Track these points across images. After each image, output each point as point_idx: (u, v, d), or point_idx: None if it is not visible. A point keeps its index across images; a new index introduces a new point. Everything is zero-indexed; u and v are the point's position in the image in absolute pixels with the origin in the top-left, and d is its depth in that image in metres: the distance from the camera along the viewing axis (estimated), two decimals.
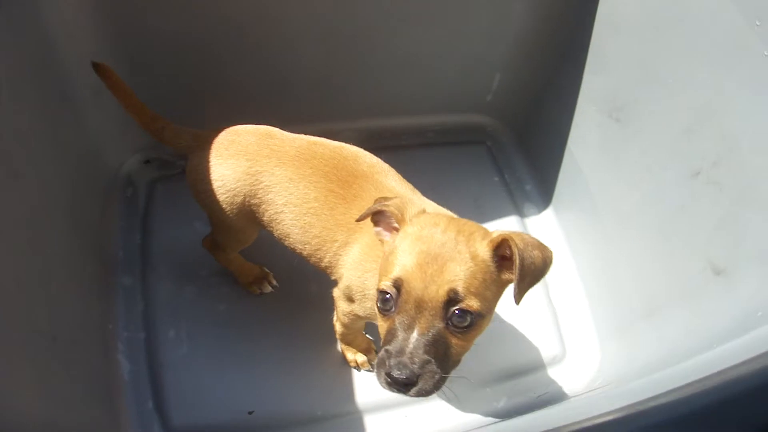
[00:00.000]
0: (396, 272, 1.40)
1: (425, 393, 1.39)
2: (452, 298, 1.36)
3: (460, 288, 1.35)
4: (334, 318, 2.10)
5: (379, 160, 1.92)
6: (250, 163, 1.86)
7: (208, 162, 1.92)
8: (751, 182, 1.81)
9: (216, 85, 2.51)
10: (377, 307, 1.45)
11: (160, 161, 2.63)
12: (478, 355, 2.26)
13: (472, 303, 1.36)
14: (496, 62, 2.72)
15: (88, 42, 2.22)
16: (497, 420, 2.16)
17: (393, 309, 1.41)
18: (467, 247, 1.40)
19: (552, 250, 1.47)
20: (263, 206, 1.88)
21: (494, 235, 1.42)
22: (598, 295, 2.41)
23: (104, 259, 2.33)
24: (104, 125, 2.43)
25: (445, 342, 1.40)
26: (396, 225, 1.51)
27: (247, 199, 1.89)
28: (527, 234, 1.46)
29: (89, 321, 2.13)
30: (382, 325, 1.47)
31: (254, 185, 1.86)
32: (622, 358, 2.18)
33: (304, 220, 1.83)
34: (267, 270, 2.38)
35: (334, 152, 1.86)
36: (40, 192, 1.92)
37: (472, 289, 1.36)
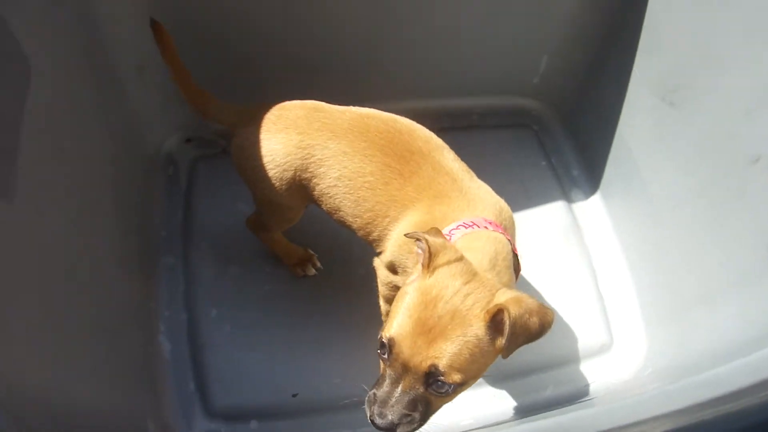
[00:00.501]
0: (392, 331, 1.47)
1: None
2: (433, 372, 1.43)
3: (441, 365, 1.42)
4: (380, 299, 2.07)
5: (432, 134, 1.89)
6: (302, 136, 1.84)
7: (256, 137, 1.89)
8: None
9: (256, 60, 2.48)
10: (378, 353, 1.55)
11: (201, 140, 2.60)
12: (527, 345, 2.25)
13: (454, 377, 1.44)
14: (543, 43, 2.67)
15: (132, 17, 2.19)
16: (543, 409, 2.12)
17: (386, 359, 1.50)
18: (462, 323, 1.44)
19: (553, 312, 1.50)
20: (315, 180, 1.85)
21: (491, 306, 1.44)
22: (646, 282, 2.35)
23: (146, 238, 2.31)
24: (146, 103, 2.41)
25: (426, 401, 1.50)
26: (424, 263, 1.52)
27: (298, 174, 1.86)
28: (529, 298, 1.47)
29: (132, 301, 2.12)
30: (381, 364, 1.58)
31: (306, 159, 1.84)
32: (672, 346, 2.13)
33: (358, 194, 1.80)
34: (311, 252, 2.35)
35: (388, 125, 1.83)
36: (84, 169, 1.91)
37: (455, 366, 1.43)
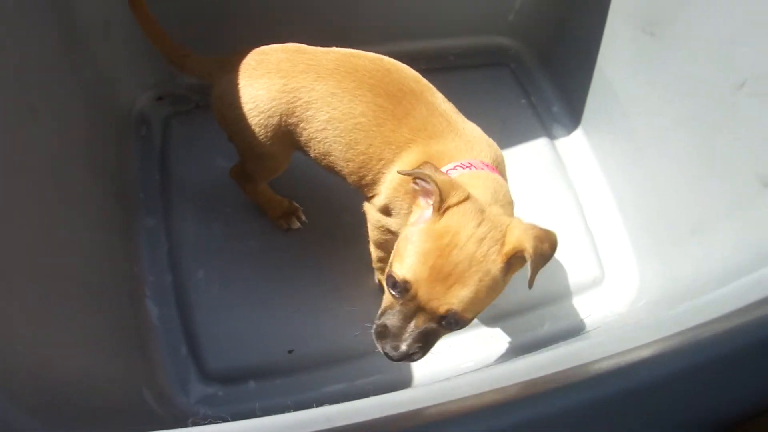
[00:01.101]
0: (408, 275, 1.46)
1: (411, 361, 1.57)
2: (449, 315, 1.46)
3: (459, 309, 1.44)
4: (371, 245, 2.05)
5: (419, 74, 1.85)
6: (285, 80, 1.78)
7: (236, 85, 1.83)
8: None
9: (229, 10, 2.41)
10: (387, 288, 1.54)
11: (173, 97, 2.52)
12: (519, 284, 2.24)
13: (468, 316, 1.48)
14: None
15: None
16: (542, 346, 2.12)
17: (398, 297, 1.50)
18: (479, 269, 1.45)
19: (554, 231, 1.54)
20: (302, 124, 1.81)
21: (508, 247, 1.47)
22: (635, 215, 2.36)
23: (125, 201, 2.24)
24: (114, 61, 2.31)
25: (436, 333, 1.54)
26: (433, 204, 1.50)
27: (283, 119, 1.81)
28: (533, 226, 1.50)
29: (115, 266, 2.05)
30: (387, 297, 1.58)
31: (292, 103, 1.78)
32: (665, 276, 2.14)
33: (350, 136, 1.76)
34: (296, 204, 2.30)
35: (376, 64, 1.79)
36: (58, 132, 1.84)
37: (470, 307, 1.46)
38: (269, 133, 1.85)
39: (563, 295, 2.28)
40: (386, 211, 1.82)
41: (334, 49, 1.86)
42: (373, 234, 1.95)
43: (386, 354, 1.54)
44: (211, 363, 2.04)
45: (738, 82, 1.90)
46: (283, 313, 2.13)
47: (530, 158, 2.58)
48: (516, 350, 2.15)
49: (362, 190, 1.88)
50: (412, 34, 2.71)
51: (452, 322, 1.48)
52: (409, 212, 1.69)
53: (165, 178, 2.35)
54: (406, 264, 1.47)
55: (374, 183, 1.81)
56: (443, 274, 1.42)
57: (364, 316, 2.12)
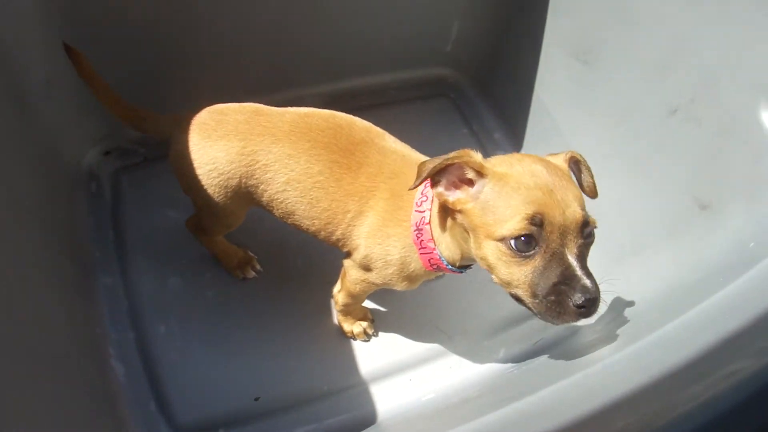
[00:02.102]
0: (530, 209, 1.36)
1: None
2: (585, 219, 1.39)
3: (584, 205, 1.42)
4: (336, 289, 2.10)
5: (371, 123, 1.89)
6: (244, 143, 1.80)
7: (196, 145, 1.84)
8: (730, 116, 1.84)
9: (172, 66, 2.41)
10: (511, 253, 1.40)
11: (120, 151, 2.52)
12: (471, 311, 2.31)
13: (591, 218, 1.42)
14: (453, 10, 2.67)
15: (35, 30, 2.09)
16: (497, 372, 2.20)
17: (536, 247, 1.38)
18: (559, 169, 1.47)
19: None
20: (262, 186, 1.83)
21: (564, 155, 1.57)
22: None
23: (81, 260, 2.23)
24: (58, 119, 2.29)
25: (586, 256, 1.43)
26: (470, 176, 1.46)
27: (243, 181, 1.83)
28: None
29: (76, 328, 2.04)
30: (519, 270, 1.43)
31: (250, 165, 1.80)
32: (612, 297, 2.21)
33: (311, 195, 1.79)
34: (251, 254, 2.33)
35: (328, 122, 1.82)
36: (6, 196, 1.81)
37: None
38: (228, 194, 1.87)
39: (516, 320, 2.34)
40: (366, 264, 1.84)
41: (290, 109, 1.88)
42: (353, 288, 1.97)
43: (585, 308, 1.37)
44: (180, 416, 2.05)
45: (671, 107, 1.99)
46: (247, 361, 2.15)
47: None
48: (476, 378, 2.19)
49: (337, 247, 1.91)
50: (351, 72, 2.75)
51: (589, 230, 1.40)
52: (397, 261, 1.75)
53: (119, 235, 2.35)
54: (514, 213, 1.37)
55: (347, 237, 1.84)
56: (553, 184, 1.39)
57: (327, 356, 2.19)
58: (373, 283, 1.89)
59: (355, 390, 2.15)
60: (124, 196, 2.43)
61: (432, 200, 1.63)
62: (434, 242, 1.65)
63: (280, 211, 1.87)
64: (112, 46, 2.25)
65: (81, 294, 2.17)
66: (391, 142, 1.85)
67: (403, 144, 1.87)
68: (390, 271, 1.81)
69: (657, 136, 2.06)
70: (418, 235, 1.67)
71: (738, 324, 1.28)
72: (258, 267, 2.32)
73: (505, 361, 2.24)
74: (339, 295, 2.09)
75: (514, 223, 1.37)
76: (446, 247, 1.64)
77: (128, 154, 2.53)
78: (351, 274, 1.93)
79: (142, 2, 2.20)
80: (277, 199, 1.84)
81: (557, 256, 1.38)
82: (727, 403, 1.25)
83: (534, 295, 1.44)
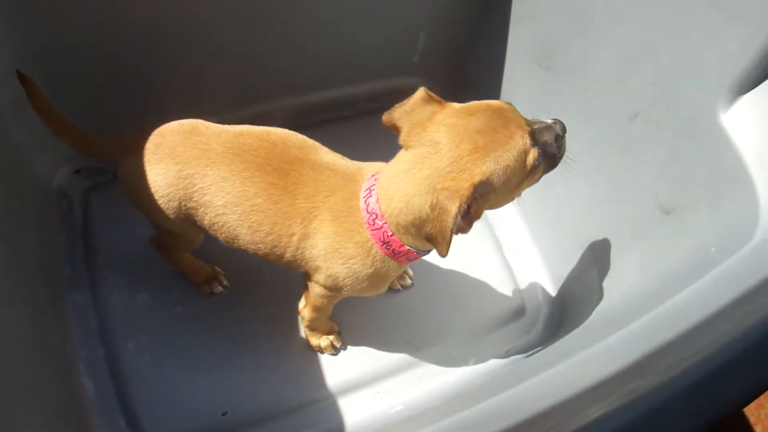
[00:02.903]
0: (524, 146, 1.56)
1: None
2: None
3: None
4: (301, 305, 2.09)
5: (304, 136, 1.88)
6: (180, 166, 1.79)
7: (137, 169, 1.84)
8: (690, 120, 1.82)
9: (135, 84, 2.41)
10: (537, 169, 1.65)
11: (90, 170, 2.52)
12: (440, 322, 2.30)
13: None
14: (418, 21, 2.65)
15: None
16: (470, 381, 2.19)
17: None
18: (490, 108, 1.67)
19: None
20: (202, 209, 1.82)
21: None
22: (547, 242, 2.45)
23: (51, 278, 2.25)
24: (27, 140, 2.30)
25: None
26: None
27: (183, 204, 1.83)
28: None
29: (46, 346, 2.06)
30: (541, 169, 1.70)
31: (188, 189, 1.80)
32: (581, 303, 2.20)
33: (251, 218, 1.77)
34: (218, 270, 2.33)
35: (262, 140, 1.80)
36: None
37: None
38: (173, 215, 1.87)
39: (488, 329, 2.33)
40: (334, 284, 1.84)
41: (226, 128, 1.86)
42: (318, 301, 1.98)
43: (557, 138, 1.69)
44: None
45: (632, 111, 1.98)
46: (215, 376, 2.16)
47: None
48: (445, 387, 2.19)
49: (293, 268, 1.90)
50: (320, 85, 2.73)
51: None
52: (367, 276, 1.76)
53: (90, 252, 2.36)
54: (519, 160, 1.55)
55: (300, 260, 1.83)
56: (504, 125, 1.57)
57: (295, 370, 2.19)
58: (338, 296, 1.90)
59: (324, 403, 2.15)
60: (94, 214, 2.44)
61: (376, 190, 1.65)
62: (403, 242, 1.66)
63: (223, 235, 1.86)
64: (72, 68, 2.28)
65: (50, 311, 2.18)
66: (324, 155, 1.83)
67: (336, 156, 1.86)
68: (364, 285, 1.82)
69: (620, 141, 2.05)
70: (388, 248, 1.68)
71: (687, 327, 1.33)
72: (225, 282, 2.32)
73: (475, 370, 2.23)
74: (304, 310, 2.08)
75: (529, 160, 1.57)
76: (415, 241, 1.66)
77: (97, 172, 2.53)
78: (314, 290, 1.93)
79: (99, 24, 2.21)
80: (218, 222, 1.82)
81: (542, 145, 1.62)
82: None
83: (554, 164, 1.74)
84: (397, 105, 1.67)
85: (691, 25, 1.79)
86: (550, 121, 1.69)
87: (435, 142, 1.55)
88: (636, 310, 1.63)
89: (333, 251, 1.75)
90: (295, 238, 1.77)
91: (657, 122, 1.91)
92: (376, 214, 1.63)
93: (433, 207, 1.50)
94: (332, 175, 1.76)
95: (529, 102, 2.37)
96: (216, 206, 1.79)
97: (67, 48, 2.22)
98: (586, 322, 2.08)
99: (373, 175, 1.70)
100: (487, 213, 2.54)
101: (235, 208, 1.77)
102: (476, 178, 1.48)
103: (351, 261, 1.75)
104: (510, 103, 1.66)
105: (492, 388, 1.74)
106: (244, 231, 1.80)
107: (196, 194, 1.80)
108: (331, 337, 2.21)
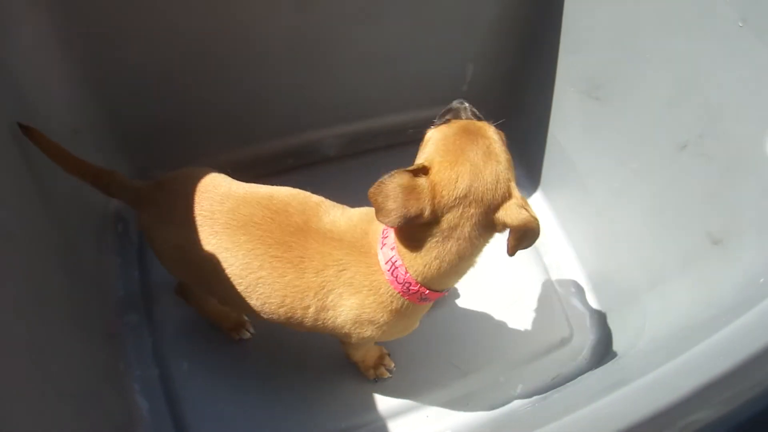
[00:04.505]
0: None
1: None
2: None
3: None
4: (346, 350, 2.11)
5: (308, 195, 1.84)
6: (186, 231, 1.75)
7: (151, 226, 1.84)
8: (738, 151, 1.85)
9: (193, 113, 2.47)
10: None
11: None
12: (489, 347, 2.32)
13: None
14: (467, 52, 2.70)
15: (59, 85, 2.17)
16: (517, 407, 2.21)
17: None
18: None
19: None
20: (207, 275, 1.80)
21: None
22: (597, 272, 2.47)
23: (106, 300, 2.30)
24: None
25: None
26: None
27: (192, 267, 1.82)
28: None
29: (101, 364, 2.11)
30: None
31: (194, 253, 1.76)
32: (629, 331, 2.23)
33: (258, 291, 1.74)
34: (245, 318, 2.31)
35: (264, 208, 1.76)
36: (35, 245, 1.86)
37: None
38: (185, 275, 1.92)
39: (535, 355, 2.35)
40: (368, 341, 1.84)
41: (231, 190, 1.81)
42: (360, 349, 2.05)
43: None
44: None
45: (681, 143, 2.00)
46: (267, 400, 2.19)
47: None
48: (492, 414, 2.21)
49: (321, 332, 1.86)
50: (370, 113, 2.77)
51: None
52: (390, 310, 1.69)
53: (144, 274, 2.42)
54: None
55: (324, 328, 1.79)
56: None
57: (344, 393, 2.22)
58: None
59: (373, 426, 2.18)
60: None
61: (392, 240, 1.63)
62: (414, 280, 1.61)
63: (237, 306, 1.82)
64: (131, 98, 2.33)
65: (107, 332, 2.23)
66: (324, 218, 1.77)
67: (336, 213, 1.80)
68: (399, 334, 1.84)
69: (668, 172, 2.07)
70: (423, 300, 1.67)
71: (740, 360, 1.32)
72: (252, 330, 2.31)
73: (522, 396, 2.25)
74: (350, 353, 2.11)
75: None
76: (425, 265, 1.59)
77: None
78: (356, 349, 2.02)
79: (159, 57, 2.26)
80: (228, 294, 1.79)
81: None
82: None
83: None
84: (383, 204, 1.51)
85: (739, 58, 1.82)
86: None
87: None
88: (686, 340, 1.65)
89: (364, 321, 1.73)
90: (311, 310, 1.74)
91: (705, 153, 1.93)
92: (410, 282, 1.61)
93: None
94: (338, 247, 1.71)
95: (577, 131, 2.42)
96: (222, 276, 1.75)
97: (127, 77, 2.28)
98: (635, 350, 2.10)
99: (383, 240, 1.66)
100: (537, 242, 2.58)
101: (240, 281, 1.74)
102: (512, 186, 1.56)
103: (386, 326, 1.74)
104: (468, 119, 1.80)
105: (541, 416, 1.76)
106: (255, 302, 1.76)
107: (201, 261, 1.76)
108: (384, 362, 2.24)
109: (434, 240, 1.55)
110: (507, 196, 1.53)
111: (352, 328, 1.75)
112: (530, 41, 2.60)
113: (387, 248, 1.62)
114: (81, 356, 1.98)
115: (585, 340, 2.39)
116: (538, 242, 2.51)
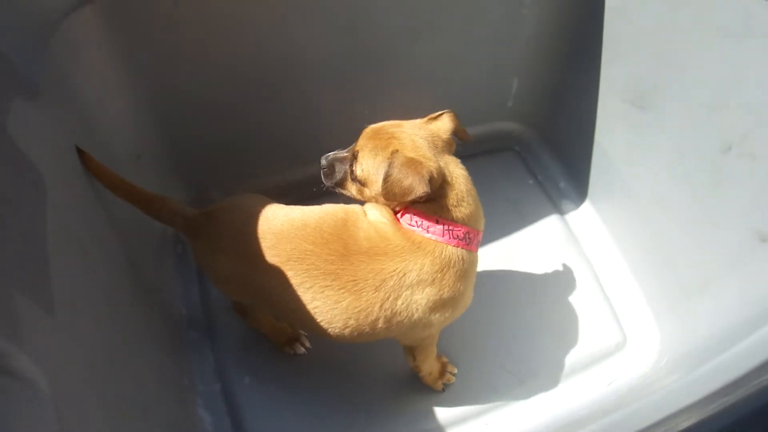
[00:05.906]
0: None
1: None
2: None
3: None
4: (411, 362, 2.14)
5: (334, 212, 1.87)
6: (234, 263, 1.84)
7: (203, 254, 1.91)
8: None
9: (245, 137, 2.57)
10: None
11: None
12: (542, 354, 2.34)
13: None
14: (511, 67, 2.77)
15: (124, 112, 2.27)
16: (575, 415, 2.21)
17: None
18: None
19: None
20: (261, 304, 1.88)
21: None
22: (648, 276, 2.48)
23: (169, 317, 2.37)
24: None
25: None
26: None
27: (247, 292, 1.89)
28: None
29: (166, 379, 2.15)
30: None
31: (247, 285, 1.84)
32: (683, 333, 2.23)
33: (318, 319, 1.78)
34: (300, 332, 2.35)
35: (301, 241, 1.78)
36: (105, 264, 1.93)
37: None
38: (239, 297, 2.01)
39: (589, 363, 2.36)
40: (447, 316, 1.84)
41: (271, 227, 1.82)
42: (429, 345, 2.07)
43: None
44: None
45: (725, 145, 2.02)
46: (327, 410, 2.22)
47: (544, 235, 2.71)
48: (550, 420, 2.22)
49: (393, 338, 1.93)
50: None
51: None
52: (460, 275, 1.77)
53: (204, 292, 2.49)
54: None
55: (398, 332, 1.84)
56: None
57: (403, 402, 2.25)
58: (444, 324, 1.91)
59: None
60: None
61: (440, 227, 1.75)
62: (466, 226, 1.76)
63: (299, 325, 1.91)
64: (187, 120, 2.45)
65: (170, 347, 2.28)
66: (360, 234, 1.80)
67: (367, 224, 1.83)
68: (468, 299, 1.89)
69: (713, 174, 2.09)
70: (466, 240, 1.76)
71: None
72: (307, 344, 2.34)
73: (579, 402, 2.25)
74: (419, 365, 2.13)
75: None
76: (458, 209, 1.77)
77: None
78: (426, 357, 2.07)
79: (213, 81, 2.36)
80: (282, 314, 1.88)
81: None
82: None
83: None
84: (403, 188, 1.69)
85: None
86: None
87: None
88: (738, 335, 1.68)
89: (446, 300, 1.77)
90: (380, 321, 1.77)
91: (750, 154, 1.95)
92: (467, 231, 1.76)
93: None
94: (387, 259, 1.74)
95: (622, 139, 2.45)
96: (278, 307, 1.82)
97: (185, 103, 2.39)
98: (690, 350, 2.10)
99: (416, 223, 1.76)
100: (587, 250, 2.61)
101: (295, 314, 1.80)
102: None
103: (459, 297, 1.80)
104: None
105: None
106: (314, 326, 1.81)
107: (255, 292, 1.85)
108: (447, 369, 2.27)
109: (447, 188, 1.75)
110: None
111: (432, 313, 1.78)
112: (572, 53, 2.65)
113: (426, 225, 1.74)
114: (150, 370, 2.04)
115: (639, 344, 2.39)
116: (588, 250, 2.57)
